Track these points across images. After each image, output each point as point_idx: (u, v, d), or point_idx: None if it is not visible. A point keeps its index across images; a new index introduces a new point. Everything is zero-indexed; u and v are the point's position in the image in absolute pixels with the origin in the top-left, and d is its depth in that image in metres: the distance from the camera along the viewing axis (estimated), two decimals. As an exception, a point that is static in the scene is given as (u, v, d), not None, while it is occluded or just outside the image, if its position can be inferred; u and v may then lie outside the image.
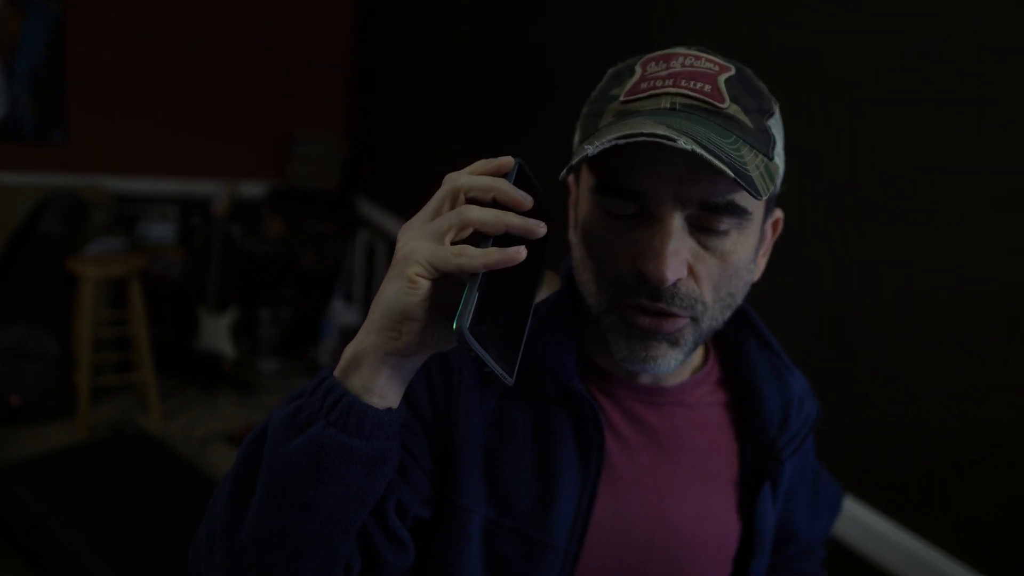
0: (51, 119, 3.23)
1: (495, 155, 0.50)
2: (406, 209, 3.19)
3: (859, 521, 1.42)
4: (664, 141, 0.47)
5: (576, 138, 0.63)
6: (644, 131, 0.48)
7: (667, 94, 0.55)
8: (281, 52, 3.74)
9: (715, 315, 0.59)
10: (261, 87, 3.72)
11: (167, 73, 3.46)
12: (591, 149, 0.49)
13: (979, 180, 1.22)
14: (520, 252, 0.44)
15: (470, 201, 0.47)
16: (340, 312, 3.54)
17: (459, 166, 0.51)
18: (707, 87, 0.55)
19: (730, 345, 0.73)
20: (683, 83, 0.55)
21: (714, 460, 0.69)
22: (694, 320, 0.58)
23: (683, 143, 0.47)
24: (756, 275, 0.64)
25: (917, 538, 1.35)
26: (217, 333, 3.35)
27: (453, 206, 0.47)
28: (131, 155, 3.45)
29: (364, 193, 3.82)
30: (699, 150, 0.47)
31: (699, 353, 0.71)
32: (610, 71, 0.63)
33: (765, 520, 0.69)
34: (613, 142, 0.48)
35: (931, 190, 1.29)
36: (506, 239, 0.46)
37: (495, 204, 0.47)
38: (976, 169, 1.22)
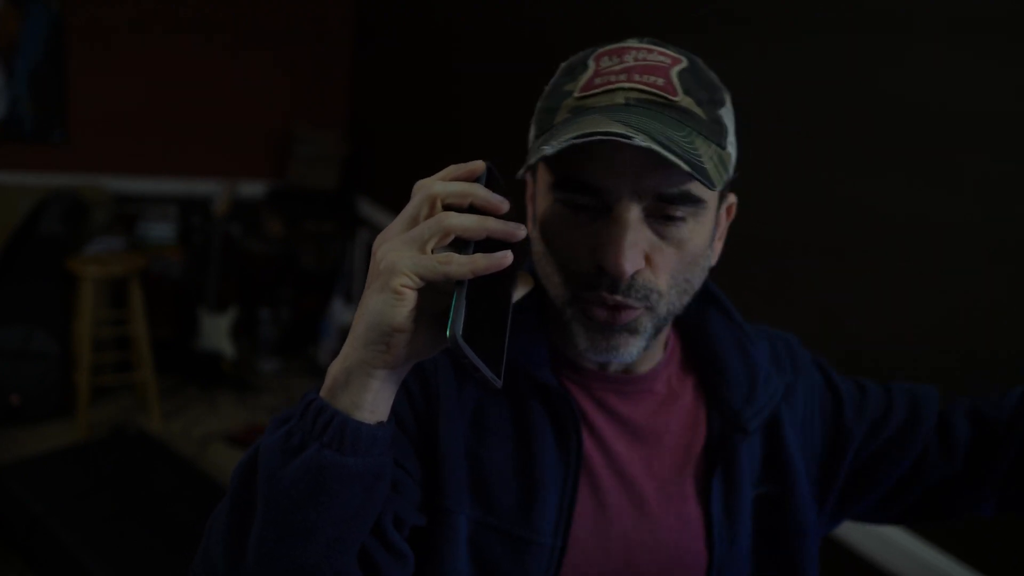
0: (51, 119, 3.23)
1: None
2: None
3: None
4: (620, 139, 0.48)
5: (532, 133, 0.64)
6: (600, 129, 0.48)
7: (621, 89, 0.56)
8: (281, 51, 3.73)
9: (671, 302, 0.60)
10: (261, 86, 3.72)
11: (167, 72, 3.46)
12: (549, 149, 0.50)
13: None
14: (507, 257, 0.45)
15: (447, 207, 0.47)
16: (340, 312, 3.54)
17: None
18: (660, 80, 0.56)
19: (692, 321, 0.73)
20: (636, 77, 0.56)
21: (688, 441, 0.69)
22: (649, 309, 0.59)
23: (639, 140, 0.48)
24: (712, 260, 0.65)
25: (917, 538, 1.35)
26: (217, 333, 3.35)
27: (430, 213, 0.47)
28: (131, 155, 3.45)
29: (364, 193, 3.82)
30: (655, 146, 0.48)
31: (663, 337, 0.71)
32: (562, 65, 0.63)
33: (739, 498, 0.66)
34: (570, 142, 0.49)
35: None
36: (486, 243, 0.46)
37: (472, 209, 0.47)
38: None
